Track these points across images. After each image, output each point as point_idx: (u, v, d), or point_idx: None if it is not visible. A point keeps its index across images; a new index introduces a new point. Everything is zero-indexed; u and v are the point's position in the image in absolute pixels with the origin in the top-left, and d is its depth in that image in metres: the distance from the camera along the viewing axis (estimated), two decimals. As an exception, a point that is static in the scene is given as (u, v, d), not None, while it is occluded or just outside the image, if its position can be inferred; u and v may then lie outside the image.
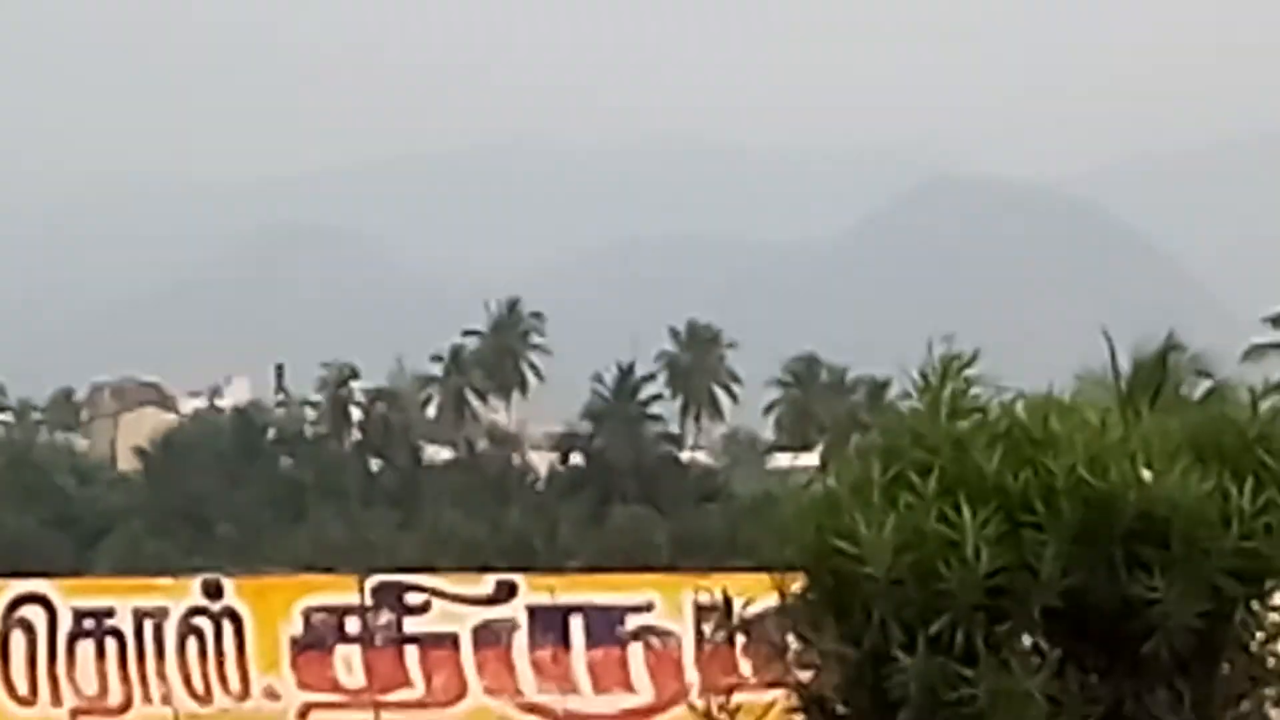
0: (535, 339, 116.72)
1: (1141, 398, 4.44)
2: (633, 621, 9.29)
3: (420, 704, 9.07)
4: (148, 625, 8.83)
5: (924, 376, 3.89)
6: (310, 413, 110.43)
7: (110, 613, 8.88)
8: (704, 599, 6.78)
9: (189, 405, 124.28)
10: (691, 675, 8.90)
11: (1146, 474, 3.54)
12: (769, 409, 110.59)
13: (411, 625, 9.27)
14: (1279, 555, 3.61)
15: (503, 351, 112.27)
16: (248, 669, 8.88)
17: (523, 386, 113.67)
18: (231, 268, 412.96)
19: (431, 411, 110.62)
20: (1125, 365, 5.15)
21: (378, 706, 8.99)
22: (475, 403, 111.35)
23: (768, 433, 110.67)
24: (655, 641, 9.29)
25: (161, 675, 8.75)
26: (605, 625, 9.37)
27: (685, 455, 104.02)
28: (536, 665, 9.15)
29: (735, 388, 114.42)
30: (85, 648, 8.77)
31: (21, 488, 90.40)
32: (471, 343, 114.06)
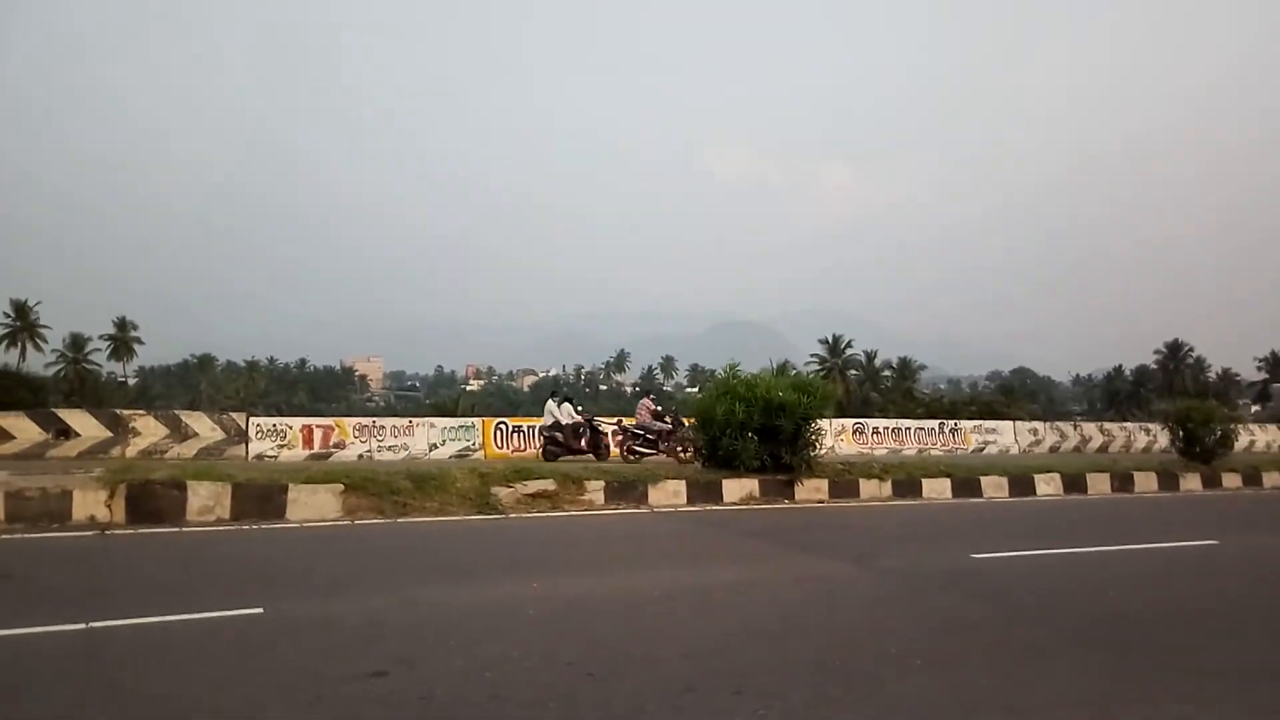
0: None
1: (781, 375, 15.52)
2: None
3: None
4: None
5: (727, 368, 15.03)
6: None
7: None
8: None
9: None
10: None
11: (780, 394, 14.48)
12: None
13: None
14: (813, 413, 14.62)
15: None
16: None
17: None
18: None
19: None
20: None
21: None
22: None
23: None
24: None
25: None
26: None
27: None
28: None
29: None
30: None
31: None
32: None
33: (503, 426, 21.28)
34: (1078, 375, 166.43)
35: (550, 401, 19.45)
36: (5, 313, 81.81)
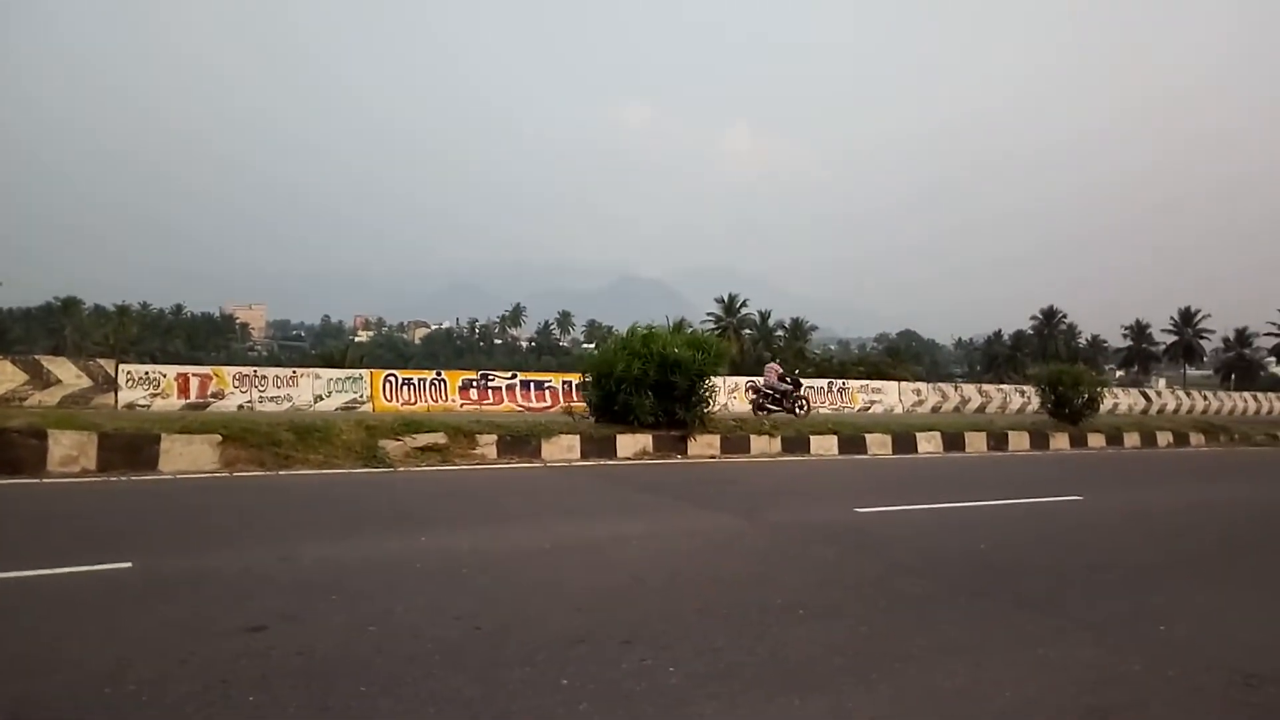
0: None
1: (678, 331, 15.62)
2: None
3: None
4: None
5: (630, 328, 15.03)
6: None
7: None
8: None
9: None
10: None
11: (675, 350, 14.54)
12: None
13: None
14: (708, 369, 14.75)
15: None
16: None
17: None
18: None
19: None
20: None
21: None
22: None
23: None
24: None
25: None
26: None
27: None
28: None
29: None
30: None
31: None
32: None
33: (392, 379, 20.74)
34: (960, 339, 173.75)
35: (771, 364, 23.15)
36: None
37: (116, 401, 16.91)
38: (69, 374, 16.81)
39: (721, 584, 6.07)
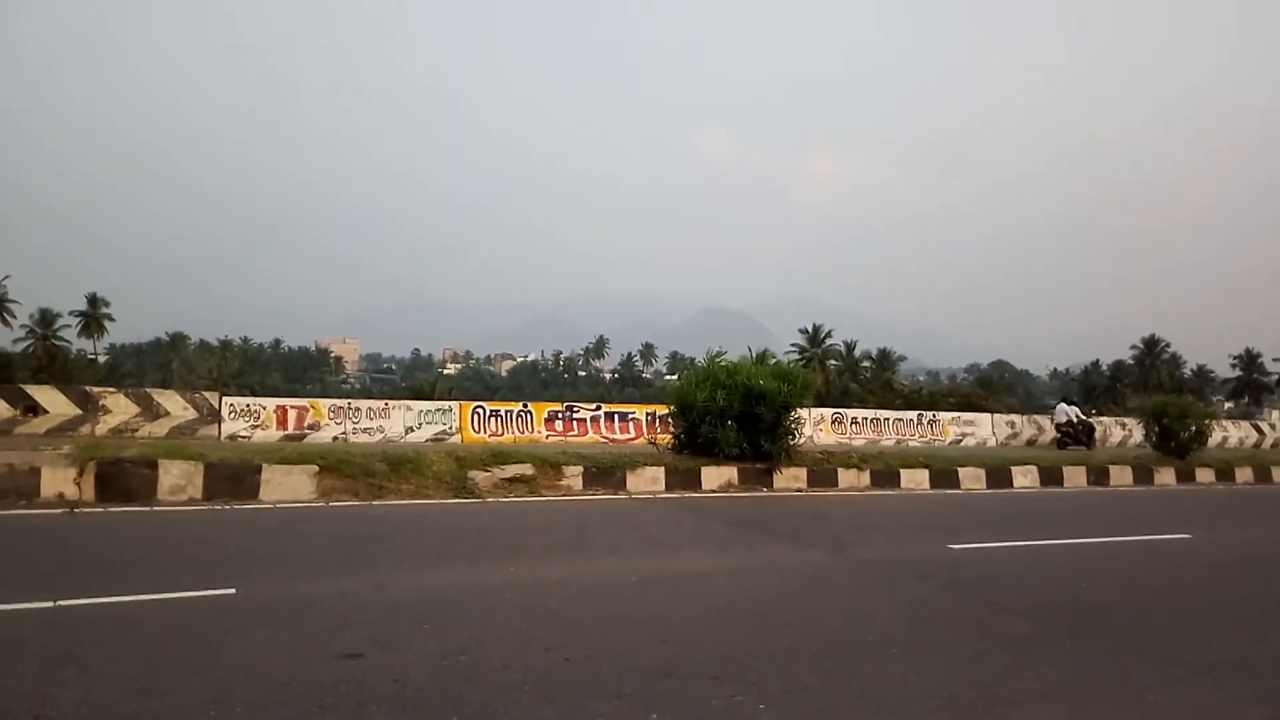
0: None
1: (761, 363, 15.52)
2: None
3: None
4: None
5: (710, 357, 15.00)
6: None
7: None
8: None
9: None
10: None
11: (760, 382, 14.46)
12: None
13: None
14: (794, 401, 14.61)
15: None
16: None
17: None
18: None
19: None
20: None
21: None
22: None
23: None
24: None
25: None
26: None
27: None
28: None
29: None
30: None
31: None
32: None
33: (480, 411, 21.11)
34: (1055, 369, 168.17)
35: (1062, 404, 26.72)
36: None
37: (220, 433, 17.61)
38: (176, 406, 17.59)
39: (811, 621, 5.97)
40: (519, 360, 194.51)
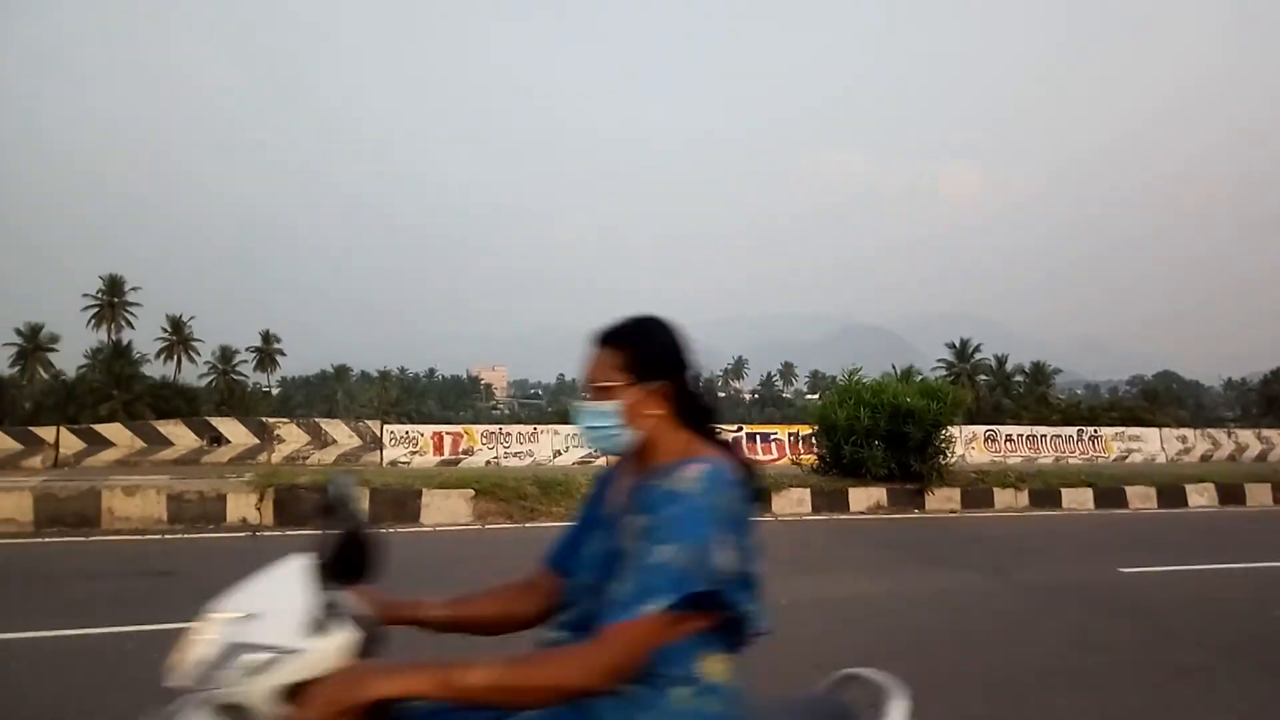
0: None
1: (907, 380, 15.09)
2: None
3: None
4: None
5: (848, 373, 14.73)
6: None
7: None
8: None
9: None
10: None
11: (908, 400, 14.10)
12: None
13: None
14: (944, 419, 14.16)
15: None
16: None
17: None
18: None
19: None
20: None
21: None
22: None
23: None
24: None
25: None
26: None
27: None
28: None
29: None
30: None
31: None
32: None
33: (625, 433, 21.43)
34: (1229, 379, 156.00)
35: None
36: (164, 328, 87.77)
37: (382, 459, 18.56)
38: (342, 434, 18.67)
39: (971, 647, 5.77)
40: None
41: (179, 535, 9.55)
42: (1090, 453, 25.51)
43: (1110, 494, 14.76)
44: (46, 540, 9.04)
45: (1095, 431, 27.11)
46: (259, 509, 10.24)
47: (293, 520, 10.25)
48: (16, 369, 75.55)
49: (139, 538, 9.34)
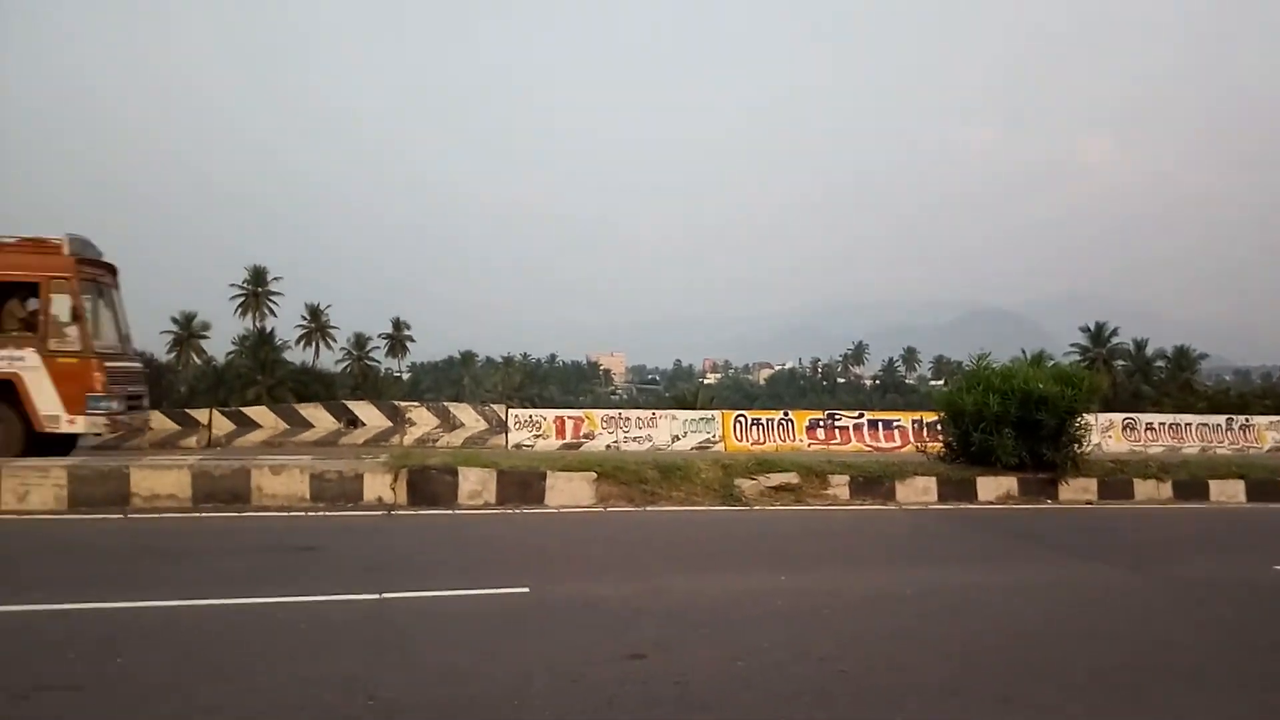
0: None
1: (1039, 365, 14.49)
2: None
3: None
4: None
5: (976, 359, 14.27)
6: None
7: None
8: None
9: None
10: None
11: (1040, 386, 13.55)
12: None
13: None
14: (1079, 406, 13.56)
15: None
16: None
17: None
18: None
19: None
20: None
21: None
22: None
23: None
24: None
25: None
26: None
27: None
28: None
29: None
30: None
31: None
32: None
33: (742, 419, 21.34)
34: None
35: None
36: (303, 316, 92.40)
37: (507, 442, 19.05)
38: (469, 418, 19.26)
39: (1110, 643, 5.53)
40: (776, 369, 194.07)
41: (320, 512, 10.07)
42: (1241, 443, 23.89)
43: (1265, 486, 13.80)
44: (202, 515, 9.68)
45: (1246, 420, 25.35)
46: (393, 489, 10.68)
47: (424, 500, 10.66)
48: (173, 355, 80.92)
49: (284, 514, 9.90)
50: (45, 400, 12.67)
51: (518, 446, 18.94)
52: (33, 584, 6.37)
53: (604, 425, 20.26)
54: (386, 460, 11.14)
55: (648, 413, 21.51)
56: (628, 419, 20.72)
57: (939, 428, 15.20)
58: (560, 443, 19.52)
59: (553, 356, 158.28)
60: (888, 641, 5.46)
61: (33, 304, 13.23)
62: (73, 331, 12.86)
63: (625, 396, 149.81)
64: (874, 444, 20.87)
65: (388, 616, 5.85)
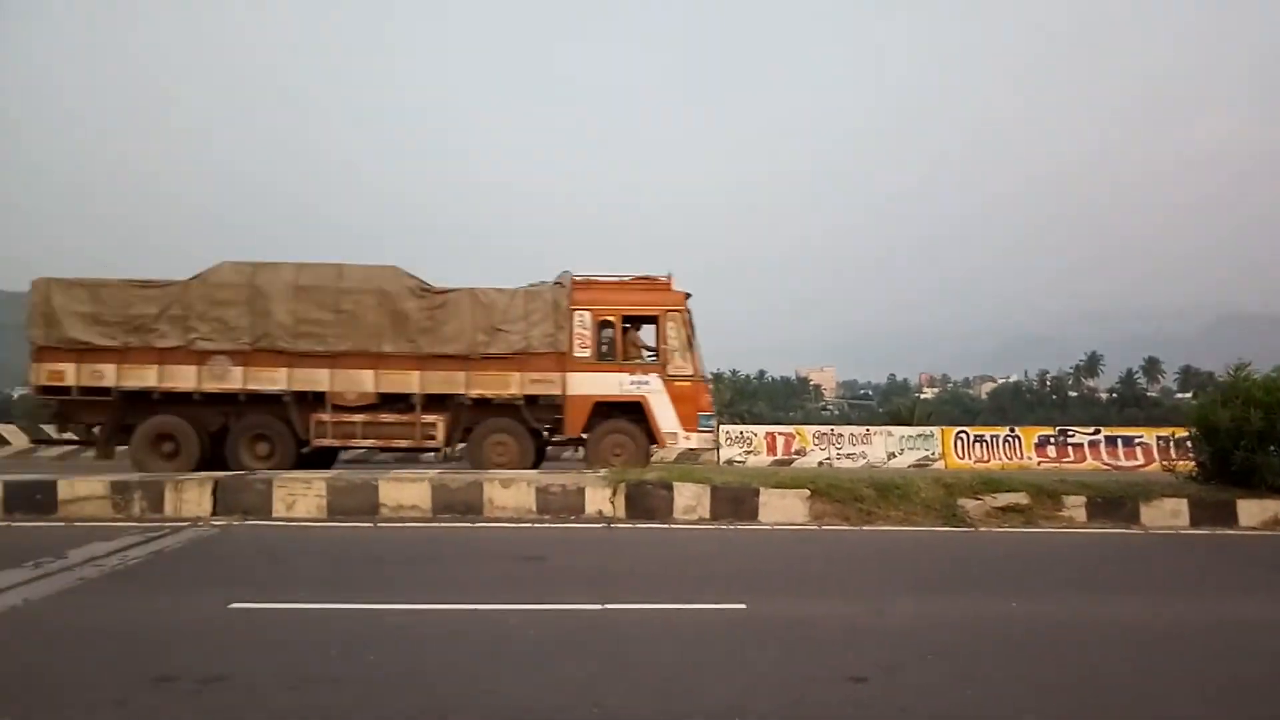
0: None
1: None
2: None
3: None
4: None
5: (1234, 369, 12.95)
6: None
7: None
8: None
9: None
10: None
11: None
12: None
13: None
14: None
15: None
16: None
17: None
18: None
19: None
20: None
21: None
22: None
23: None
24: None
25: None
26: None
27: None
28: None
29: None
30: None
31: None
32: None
33: (963, 436, 20.42)
34: None
35: None
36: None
37: (719, 458, 19.22)
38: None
39: None
40: (999, 382, 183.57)
41: (545, 524, 10.57)
42: None
43: None
44: (441, 525, 10.43)
45: None
46: (613, 502, 11.04)
47: (641, 513, 10.94)
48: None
49: (513, 525, 10.47)
50: (666, 419, 14.68)
51: (729, 462, 19.05)
52: (299, 584, 7.14)
53: (815, 441, 20.01)
54: (606, 475, 11.54)
55: (861, 429, 21.05)
56: (840, 435, 20.37)
57: (1189, 445, 13.86)
58: (771, 459, 19.46)
59: (761, 373, 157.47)
60: (1137, 676, 5.06)
61: (643, 334, 15.15)
62: (686, 358, 14.67)
63: (836, 412, 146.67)
64: (1112, 462, 19.43)
65: (610, 626, 6.05)
